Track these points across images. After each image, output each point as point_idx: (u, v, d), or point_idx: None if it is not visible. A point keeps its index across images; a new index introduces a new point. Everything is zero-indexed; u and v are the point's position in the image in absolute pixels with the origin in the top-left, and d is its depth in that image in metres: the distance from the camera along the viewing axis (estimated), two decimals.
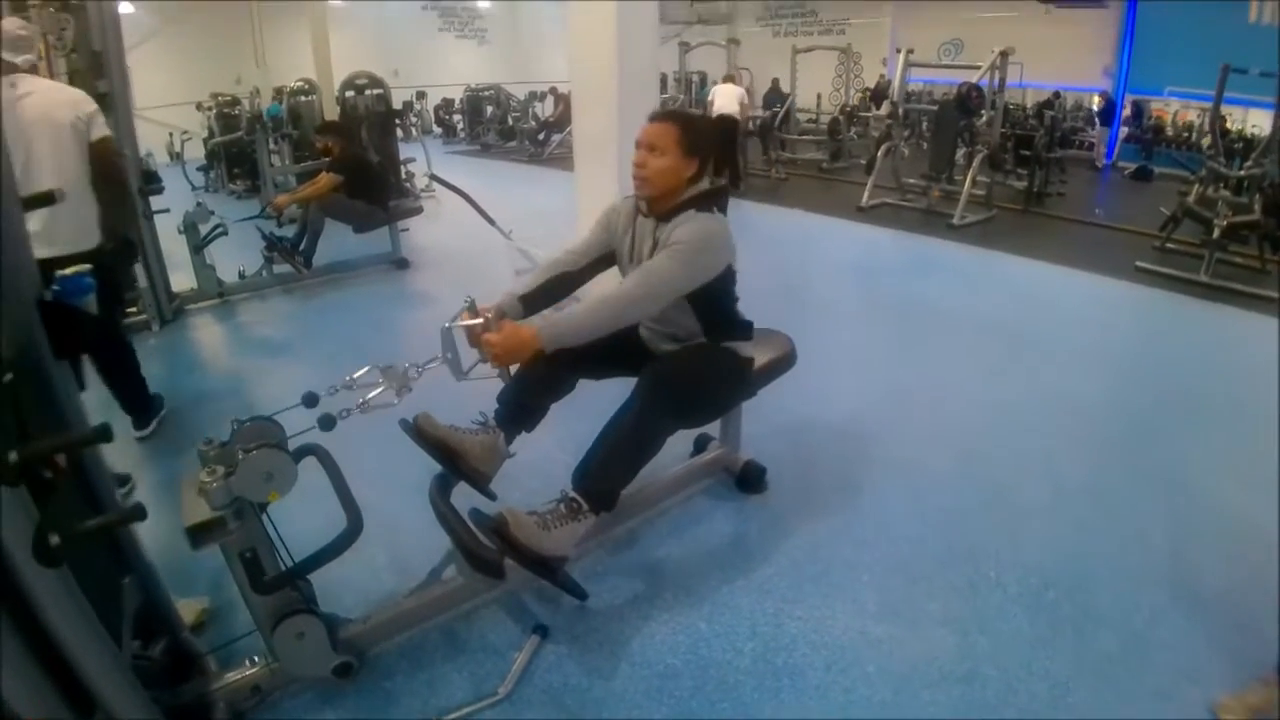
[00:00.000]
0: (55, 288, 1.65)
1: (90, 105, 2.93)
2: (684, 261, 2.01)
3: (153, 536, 1.87)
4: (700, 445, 2.88)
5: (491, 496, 2.21)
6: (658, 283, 2.01)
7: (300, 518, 1.97)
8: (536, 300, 2.21)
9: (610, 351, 2.21)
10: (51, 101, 2.81)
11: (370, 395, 1.85)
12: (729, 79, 9.96)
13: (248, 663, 1.82)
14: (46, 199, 2.42)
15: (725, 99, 9.21)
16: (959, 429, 3.22)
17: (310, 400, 1.82)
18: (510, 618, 2.15)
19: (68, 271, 1.70)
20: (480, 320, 1.96)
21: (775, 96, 13.33)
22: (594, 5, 4.04)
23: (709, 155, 2.16)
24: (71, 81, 4.28)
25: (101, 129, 2.93)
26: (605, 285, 2.13)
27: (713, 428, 2.77)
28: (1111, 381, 3.80)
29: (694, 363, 2.20)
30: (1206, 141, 7.14)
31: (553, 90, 14.75)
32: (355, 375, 1.88)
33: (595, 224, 2.34)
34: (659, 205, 2.14)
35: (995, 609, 2.16)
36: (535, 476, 2.59)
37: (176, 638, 1.87)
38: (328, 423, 1.74)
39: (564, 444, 2.65)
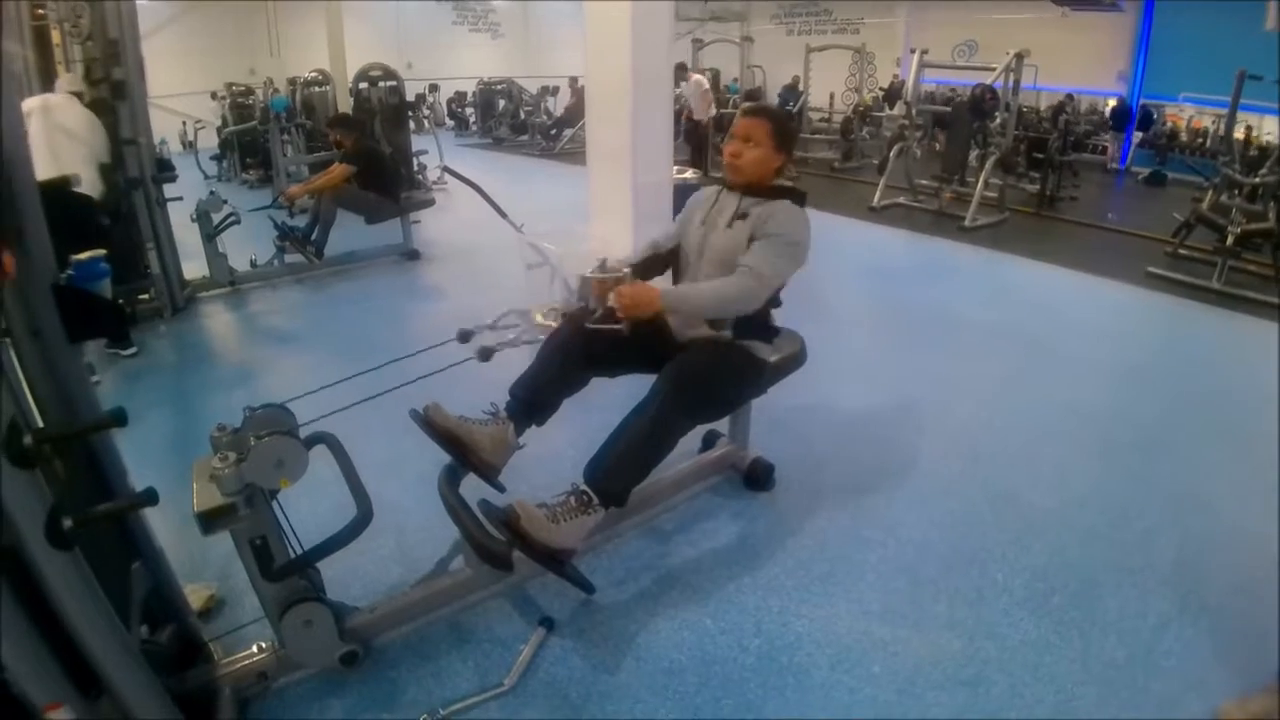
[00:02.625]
0: (70, 272, 1.66)
1: None
2: (785, 253, 2.20)
3: (162, 522, 1.88)
4: (709, 442, 2.88)
5: (500, 489, 2.21)
6: (769, 273, 2.16)
7: (310, 506, 1.98)
8: (643, 271, 2.39)
9: (631, 347, 2.23)
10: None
11: (516, 333, 2.01)
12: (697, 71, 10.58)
13: (254, 649, 1.83)
14: (64, 183, 2.50)
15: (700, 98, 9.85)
16: (968, 432, 3.21)
17: (464, 336, 2.06)
18: (516, 610, 2.15)
19: (83, 256, 1.70)
20: (619, 274, 2.11)
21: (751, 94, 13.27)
22: (610, 8, 4.04)
23: (793, 150, 2.41)
24: (87, 69, 4.32)
25: None
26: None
27: (721, 425, 2.77)
28: (1121, 388, 3.78)
29: (713, 360, 2.22)
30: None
31: (572, 82, 14.68)
32: (495, 319, 2.03)
33: (682, 211, 2.54)
34: (749, 190, 2.32)
35: (1001, 613, 2.15)
36: (544, 469, 2.59)
37: (184, 623, 1.88)
38: (485, 354, 2.00)
39: (573, 438, 2.66)
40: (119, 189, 4.19)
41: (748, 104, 2.44)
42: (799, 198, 2.33)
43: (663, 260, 2.48)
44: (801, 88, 12.73)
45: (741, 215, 2.26)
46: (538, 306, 2.10)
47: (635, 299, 2.04)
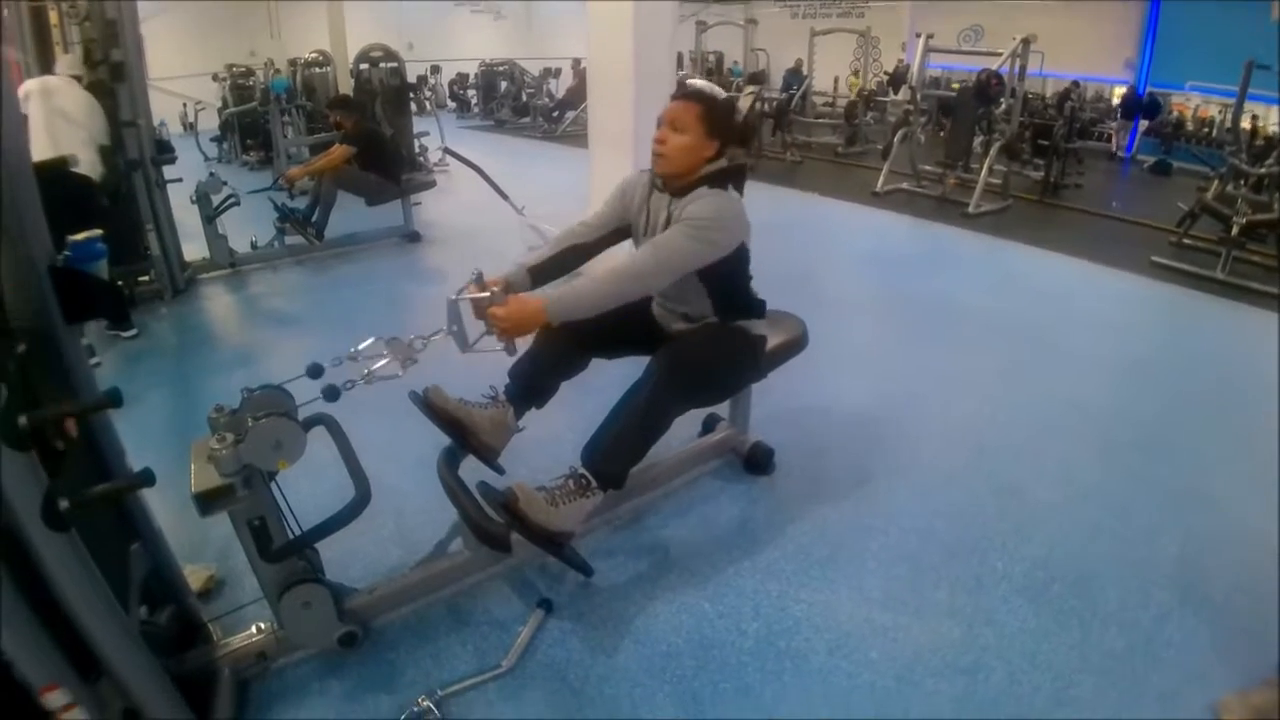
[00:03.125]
0: (67, 253, 1.65)
1: None
2: (694, 237, 1.98)
3: (162, 503, 1.87)
4: (708, 426, 2.88)
5: (500, 471, 2.21)
6: (667, 257, 1.98)
7: (309, 487, 1.98)
8: (546, 272, 2.19)
9: (623, 330, 2.23)
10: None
11: (375, 367, 1.84)
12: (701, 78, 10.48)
13: (254, 630, 1.83)
14: (61, 163, 2.50)
15: None
16: (970, 423, 3.20)
17: (315, 371, 1.79)
18: (515, 592, 2.15)
19: (79, 237, 1.69)
20: (487, 293, 1.90)
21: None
22: None
23: (730, 137, 2.14)
24: (86, 51, 4.28)
25: None
26: (615, 258, 2.12)
27: (721, 408, 2.77)
28: (1124, 379, 3.77)
29: (707, 342, 2.19)
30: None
31: (574, 64, 14.57)
32: (360, 347, 1.86)
33: (610, 197, 2.31)
34: (675, 182, 2.11)
35: (1001, 601, 2.15)
36: (543, 452, 2.59)
37: (183, 604, 1.88)
38: (332, 394, 1.75)
39: (573, 421, 2.65)
40: (119, 171, 4.18)
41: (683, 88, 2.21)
42: (724, 179, 2.10)
43: (586, 250, 2.26)
44: (805, 71, 12.64)
45: (669, 219, 2.09)
46: (413, 336, 1.93)
47: (513, 319, 1.86)
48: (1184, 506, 2.64)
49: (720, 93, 2.14)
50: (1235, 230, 5.51)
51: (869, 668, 1.91)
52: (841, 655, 1.95)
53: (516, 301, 1.89)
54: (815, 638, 2.01)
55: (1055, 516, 2.56)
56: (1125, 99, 12.26)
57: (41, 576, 1.20)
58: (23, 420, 1.12)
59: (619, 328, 2.17)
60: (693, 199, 2.05)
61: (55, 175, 3.34)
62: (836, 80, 14.76)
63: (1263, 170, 5.95)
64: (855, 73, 14.20)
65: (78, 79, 4.13)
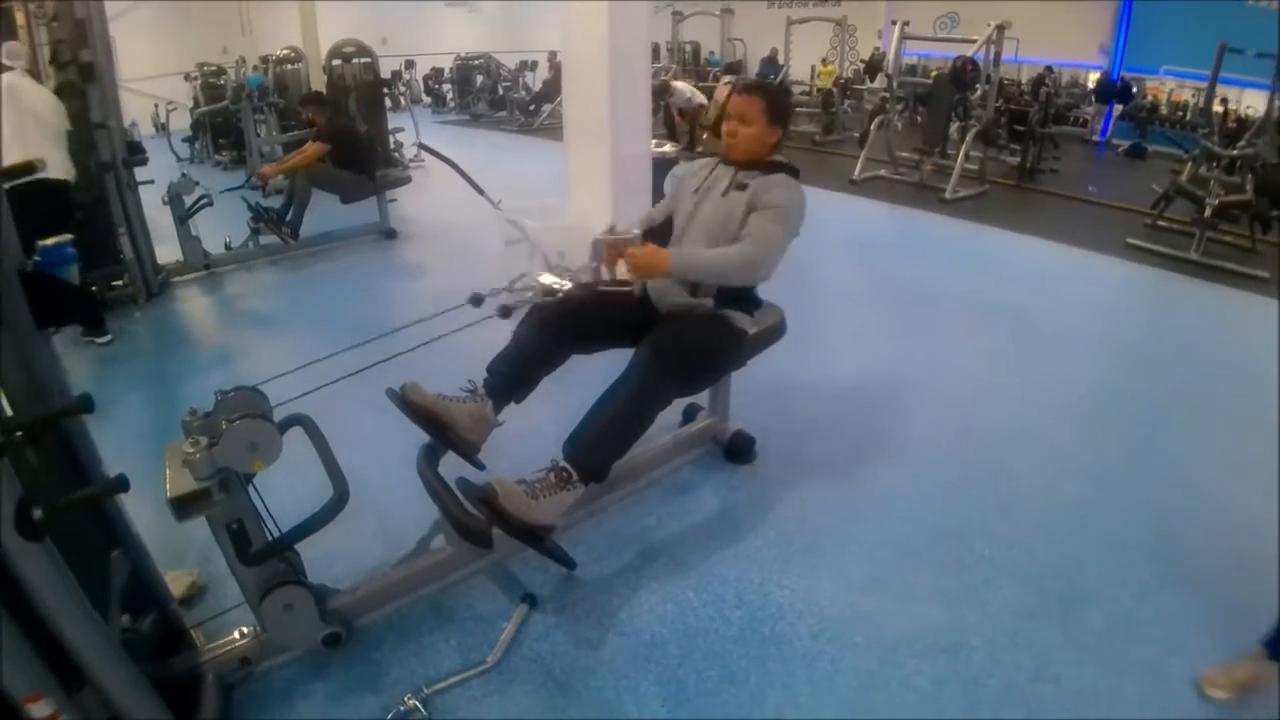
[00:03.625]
0: (37, 258, 1.63)
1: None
2: (780, 224, 2.21)
3: (141, 509, 1.86)
4: (689, 415, 2.88)
5: (480, 466, 2.20)
6: (769, 244, 2.19)
7: (290, 488, 1.97)
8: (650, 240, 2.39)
9: (610, 320, 2.28)
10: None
11: (531, 294, 2.22)
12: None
13: (236, 634, 1.82)
14: (27, 169, 2.47)
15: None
16: (950, 405, 3.23)
17: (477, 300, 2.23)
18: (498, 587, 2.16)
19: (49, 242, 1.67)
20: (629, 236, 2.17)
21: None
22: None
23: (788, 124, 2.48)
24: (54, 52, 4.21)
25: None
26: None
27: (701, 398, 2.78)
28: (1103, 358, 3.82)
29: (692, 328, 2.25)
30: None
31: (550, 56, 14.49)
32: (511, 281, 2.26)
33: (674, 184, 2.63)
34: (746, 165, 2.35)
35: (984, 583, 2.18)
36: (524, 446, 2.57)
37: (165, 610, 1.86)
38: (505, 312, 2.18)
39: (554, 415, 2.64)
40: (91, 171, 4.12)
41: (741, 81, 2.45)
42: (794, 173, 2.36)
43: (656, 234, 2.47)
44: (782, 60, 12.64)
45: (739, 186, 2.29)
46: (551, 270, 2.19)
47: (647, 260, 2.08)
48: (1161, 482, 2.68)
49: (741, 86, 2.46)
50: (1208, 212, 5.57)
51: (853, 651, 1.93)
52: (825, 640, 1.97)
53: (650, 247, 2.13)
54: (799, 623, 2.02)
55: (1036, 495, 2.59)
56: (1099, 84, 12.33)
57: (19, 586, 1.19)
58: None
59: (608, 317, 2.23)
60: (774, 184, 2.26)
61: (28, 180, 3.30)
62: (813, 69, 14.76)
63: (1235, 152, 6.02)
64: (825, 60, 14.18)
65: (28, 72, 4.04)
